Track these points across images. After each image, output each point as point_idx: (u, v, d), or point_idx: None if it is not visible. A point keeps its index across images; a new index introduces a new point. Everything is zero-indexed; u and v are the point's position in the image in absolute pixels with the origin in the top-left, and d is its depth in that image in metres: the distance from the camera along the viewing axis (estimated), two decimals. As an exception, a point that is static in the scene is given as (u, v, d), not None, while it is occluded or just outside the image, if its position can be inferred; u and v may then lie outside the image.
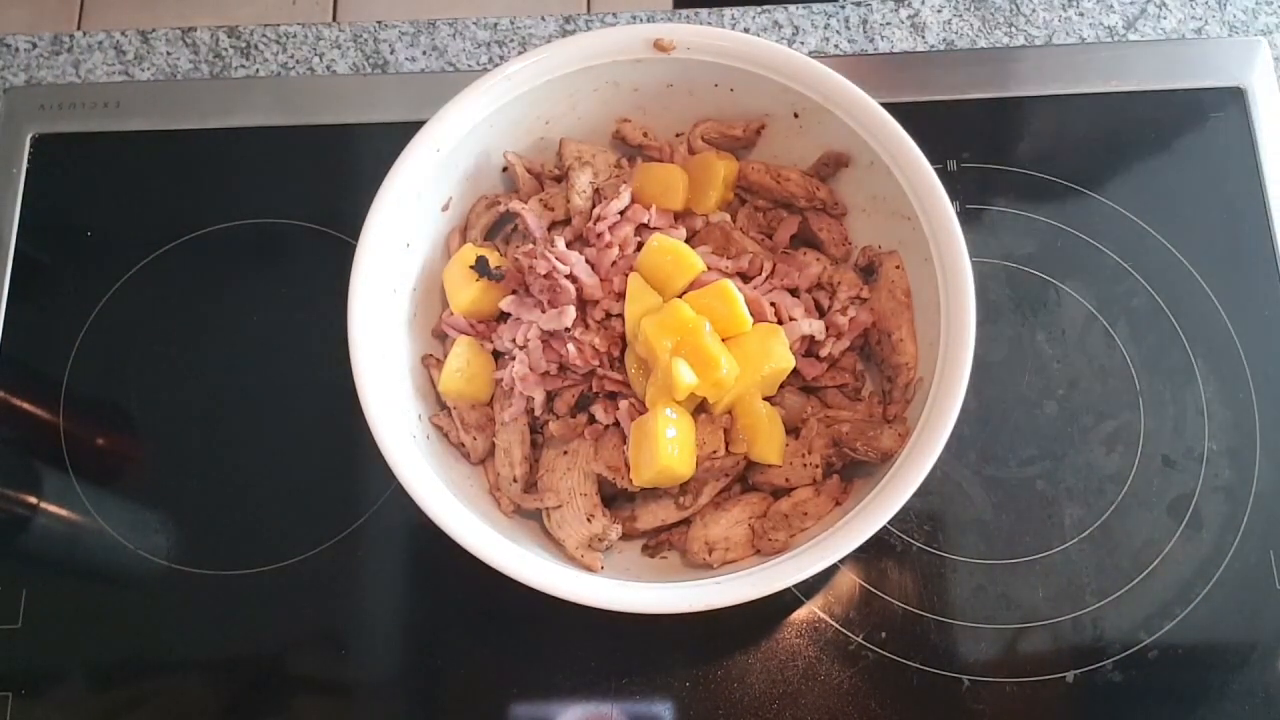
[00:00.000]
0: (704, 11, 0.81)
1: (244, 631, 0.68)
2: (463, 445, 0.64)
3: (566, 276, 0.61)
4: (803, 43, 0.81)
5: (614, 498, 0.63)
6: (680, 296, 0.60)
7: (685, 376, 0.57)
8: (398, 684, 0.67)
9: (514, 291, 0.64)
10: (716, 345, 0.58)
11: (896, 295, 0.63)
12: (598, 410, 0.62)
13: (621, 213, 0.65)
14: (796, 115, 0.65)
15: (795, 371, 0.61)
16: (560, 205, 0.67)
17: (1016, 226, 0.75)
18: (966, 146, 0.77)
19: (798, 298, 0.64)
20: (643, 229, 0.65)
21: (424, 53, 0.82)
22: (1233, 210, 0.75)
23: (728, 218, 0.68)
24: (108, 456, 0.74)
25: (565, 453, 0.63)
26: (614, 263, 0.63)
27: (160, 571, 0.69)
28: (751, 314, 0.62)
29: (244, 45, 0.82)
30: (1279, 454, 0.69)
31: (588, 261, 0.63)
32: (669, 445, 0.57)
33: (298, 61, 0.82)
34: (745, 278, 0.64)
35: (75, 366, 0.75)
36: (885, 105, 0.62)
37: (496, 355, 0.65)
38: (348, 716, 0.67)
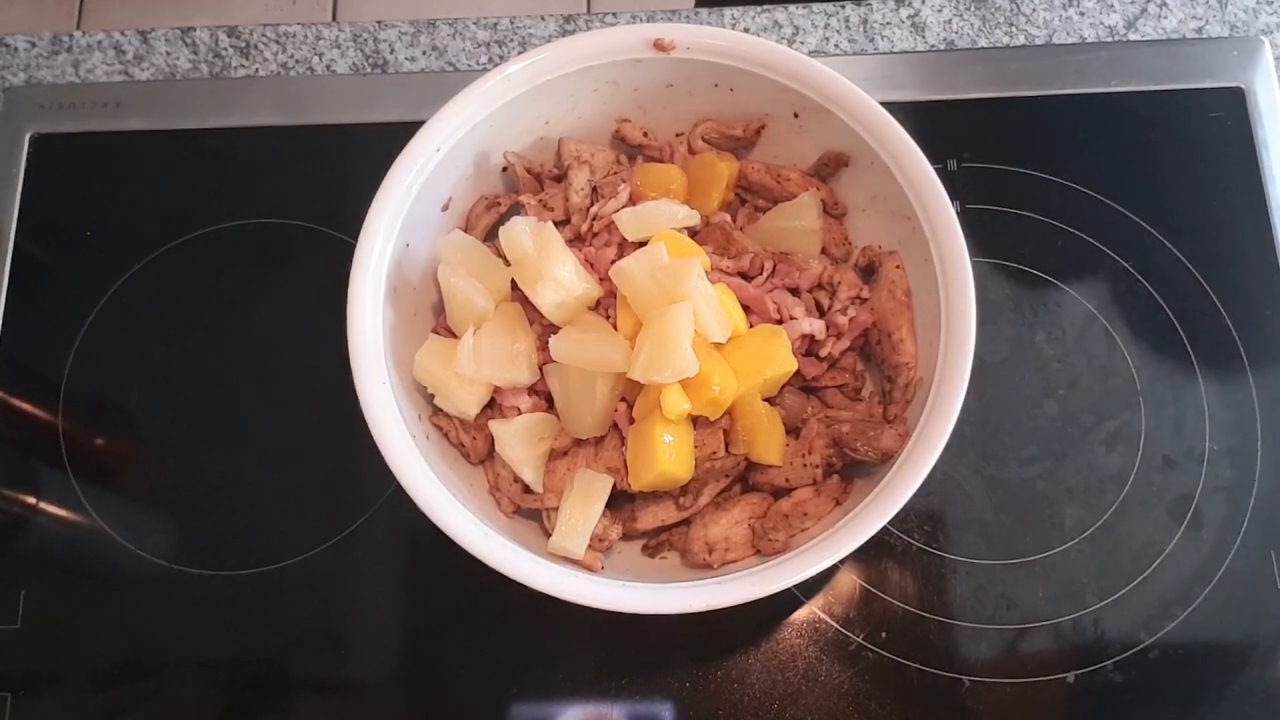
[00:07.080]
0: (704, 11, 0.81)
1: (244, 631, 0.68)
2: (462, 445, 0.64)
3: None
4: (803, 42, 0.80)
5: (614, 498, 0.63)
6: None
7: (678, 404, 0.57)
8: (397, 684, 0.67)
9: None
10: (712, 362, 0.58)
11: (896, 295, 0.63)
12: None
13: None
14: (796, 115, 0.65)
15: (796, 371, 0.61)
16: (559, 205, 0.66)
17: (1016, 226, 0.75)
18: (966, 146, 0.77)
19: (798, 297, 0.64)
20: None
21: (424, 53, 0.81)
22: (1233, 210, 0.75)
23: (728, 218, 0.67)
24: (107, 456, 0.74)
25: (565, 453, 0.63)
26: (612, 261, 0.63)
27: (159, 571, 0.69)
28: (755, 312, 0.63)
29: (243, 45, 0.82)
30: (1280, 454, 0.69)
31: (586, 260, 0.63)
32: (667, 451, 0.57)
33: (297, 61, 0.82)
34: (746, 277, 0.64)
35: (74, 366, 0.74)
36: (885, 105, 0.62)
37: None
38: (347, 716, 0.67)
